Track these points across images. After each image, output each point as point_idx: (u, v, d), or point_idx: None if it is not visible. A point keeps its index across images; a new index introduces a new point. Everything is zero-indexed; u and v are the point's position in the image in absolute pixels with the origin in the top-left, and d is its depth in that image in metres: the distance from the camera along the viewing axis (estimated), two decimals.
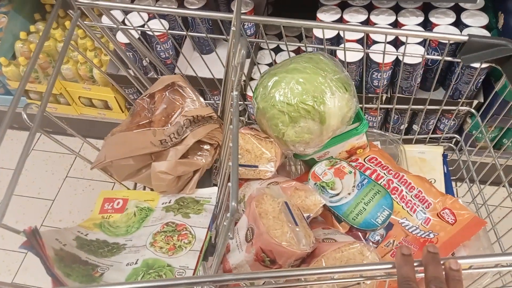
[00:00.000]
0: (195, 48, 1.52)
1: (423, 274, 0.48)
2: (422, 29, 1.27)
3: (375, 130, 1.04)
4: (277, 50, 1.53)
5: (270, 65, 1.48)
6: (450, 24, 1.26)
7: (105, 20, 0.87)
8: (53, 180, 1.84)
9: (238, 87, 0.56)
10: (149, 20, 1.35)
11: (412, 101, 0.99)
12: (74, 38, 1.68)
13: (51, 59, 1.71)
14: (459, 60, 0.77)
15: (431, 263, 0.48)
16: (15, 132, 1.94)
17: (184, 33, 0.86)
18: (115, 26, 0.85)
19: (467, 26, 1.25)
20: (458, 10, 1.28)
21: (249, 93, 1.42)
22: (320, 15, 1.32)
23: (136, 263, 0.63)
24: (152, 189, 0.78)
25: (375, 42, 1.27)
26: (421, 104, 1.06)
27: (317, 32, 1.27)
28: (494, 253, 0.78)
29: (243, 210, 0.74)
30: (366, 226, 0.75)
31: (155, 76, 0.94)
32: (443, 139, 1.09)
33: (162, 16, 1.37)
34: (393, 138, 1.01)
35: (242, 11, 1.36)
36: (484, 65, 1.17)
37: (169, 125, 0.78)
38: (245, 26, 1.41)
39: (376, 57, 1.24)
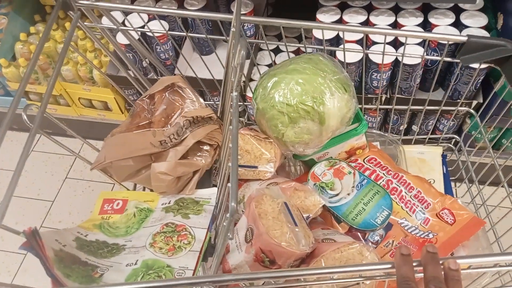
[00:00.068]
0: (195, 49, 1.53)
1: (422, 274, 0.48)
2: (422, 30, 1.27)
3: (374, 131, 1.04)
4: (276, 51, 1.53)
5: (269, 66, 1.48)
6: (450, 25, 1.26)
7: (105, 21, 0.88)
8: (52, 181, 1.84)
9: (237, 88, 0.56)
10: (149, 21, 1.36)
11: (412, 102, 0.99)
12: (74, 39, 1.68)
13: (51, 60, 1.71)
14: (458, 60, 0.78)
15: (430, 263, 0.48)
16: (15, 133, 1.94)
17: (184, 34, 0.86)
18: (115, 27, 0.85)
19: (466, 26, 1.25)
20: (457, 10, 1.29)
21: (249, 94, 1.42)
22: (319, 16, 1.32)
23: (135, 263, 0.63)
24: (151, 190, 0.78)
25: (374, 43, 1.27)
26: (420, 104, 1.06)
27: (317, 33, 1.28)
28: (493, 253, 0.78)
29: (242, 211, 0.74)
30: (366, 226, 0.75)
31: (155, 77, 0.94)
32: (442, 140, 1.09)
33: (162, 17, 1.37)
34: (392, 139, 1.01)
35: (242, 12, 1.37)
36: (483, 66, 1.17)
37: (168, 126, 0.78)
38: (245, 27, 1.41)
39: (376, 58, 1.24)
